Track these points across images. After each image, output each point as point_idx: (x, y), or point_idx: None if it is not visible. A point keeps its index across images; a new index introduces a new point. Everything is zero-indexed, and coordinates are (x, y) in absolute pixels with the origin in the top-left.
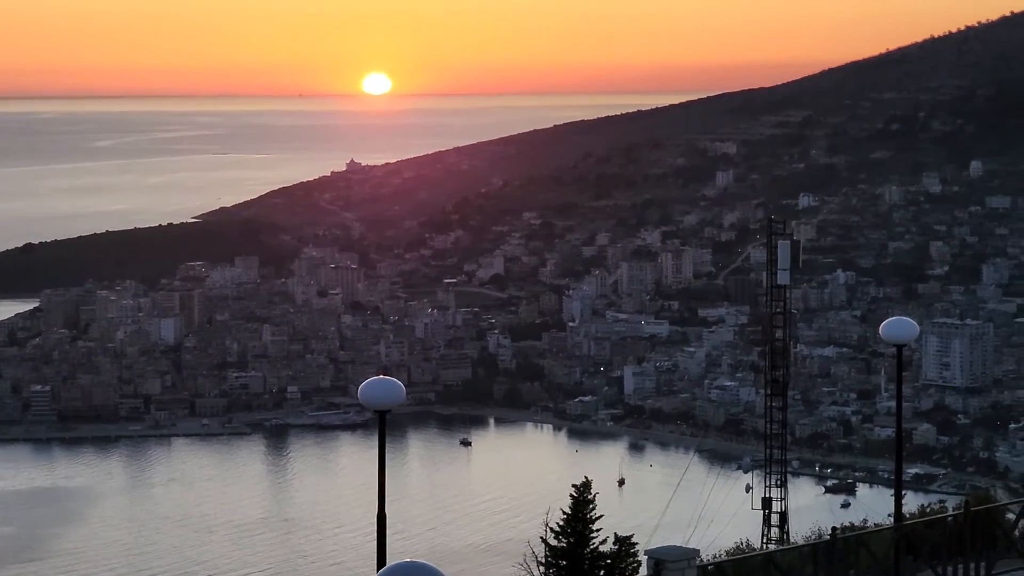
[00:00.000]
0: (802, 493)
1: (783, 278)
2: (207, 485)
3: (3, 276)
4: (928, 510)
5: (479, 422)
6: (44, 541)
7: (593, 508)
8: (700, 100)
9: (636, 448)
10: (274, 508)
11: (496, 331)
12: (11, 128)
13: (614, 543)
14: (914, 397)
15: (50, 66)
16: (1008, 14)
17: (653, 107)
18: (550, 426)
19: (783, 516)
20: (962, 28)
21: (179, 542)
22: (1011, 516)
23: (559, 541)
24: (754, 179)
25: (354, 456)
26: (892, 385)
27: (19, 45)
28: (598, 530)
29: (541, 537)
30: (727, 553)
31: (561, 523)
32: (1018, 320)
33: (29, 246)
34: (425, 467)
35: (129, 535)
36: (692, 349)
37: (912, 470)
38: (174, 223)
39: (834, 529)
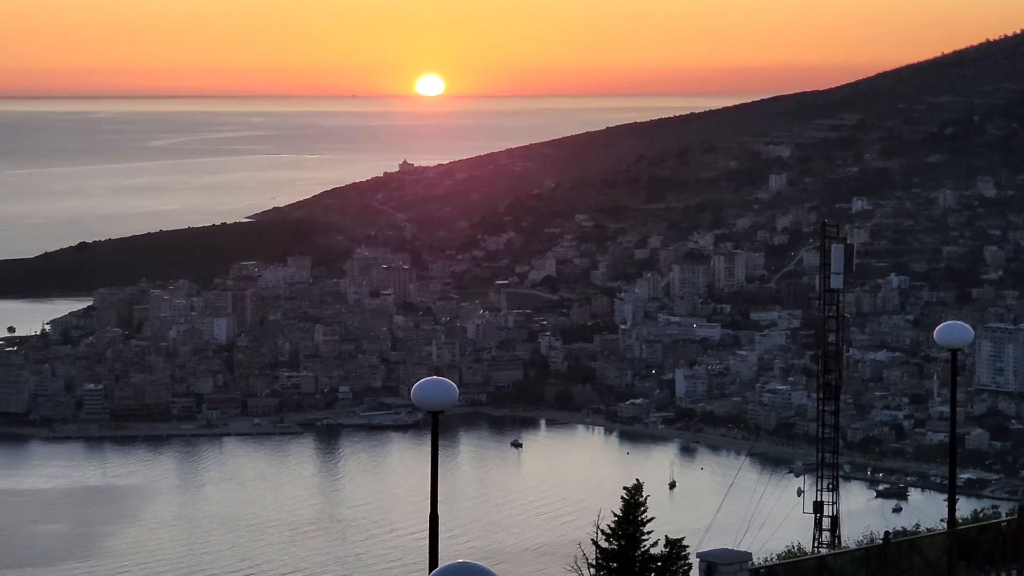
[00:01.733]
0: (854, 497)
1: (836, 282)
2: (259, 485)
3: (57, 275)
4: (981, 515)
5: (530, 424)
6: (97, 539)
7: (644, 511)
8: (753, 103)
9: (687, 451)
10: (326, 508)
11: (548, 333)
12: (65, 128)
13: (665, 546)
14: (967, 402)
15: (104, 66)
16: None
17: (706, 109)
18: (601, 428)
19: (835, 520)
20: (1017, 32)
21: (232, 542)
22: None
23: (610, 543)
24: (807, 182)
25: (405, 457)
26: (945, 390)
27: (73, 46)
28: (649, 533)
29: (592, 539)
30: (778, 557)
31: (612, 525)
32: None
33: (83, 245)
34: (476, 468)
35: (182, 534)
36: (744, 352)
37: (965, 475)
38: (227, 223)
39: (887, 533)
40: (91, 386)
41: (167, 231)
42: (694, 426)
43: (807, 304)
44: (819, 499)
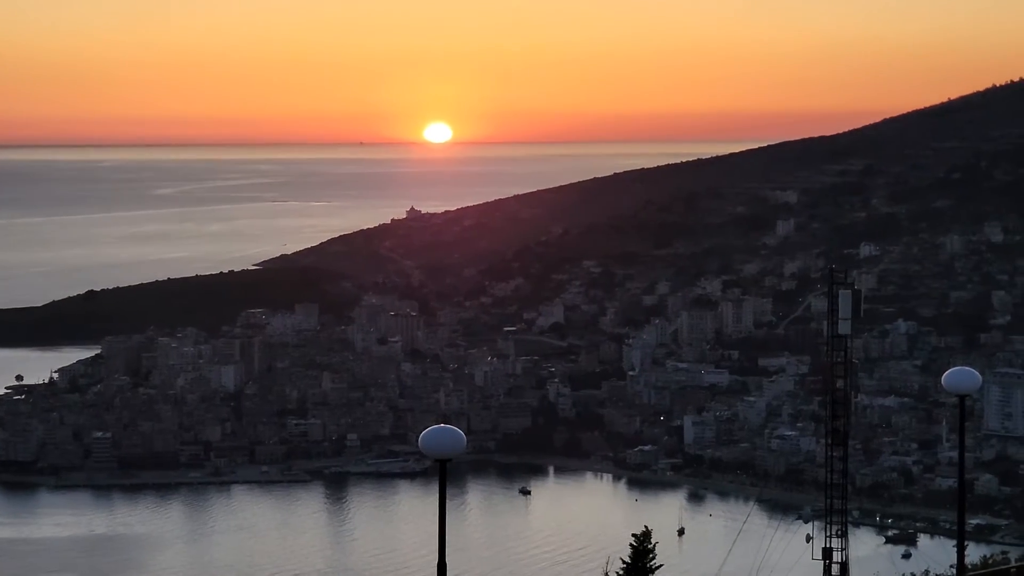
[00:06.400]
0: (863, 543)
1: (844, 328)
2: (268, 533)
3: (65, 323)
4: (990, 561)
5: (539, 471)
6: None
7: (653, 558)
8: (761, 148)
9: (696, 498)
10: (335, 557)
11: (556, 380)
12: (73, 176)
13: None
14: (976, 447)
15: (111, 116)
16: None
17: (713, 155)
18: (610, 475)
19: (844, 567)
20: (1023, 77)
21: None
22: None
23: None
24: (815, 228)
25: (414, 504)
26: (954, 435)
27: (79, 95)
28: None
29: None
30: None
31: (621, 572)
32: None
33: (91, 293)
34: (485, 516)
35: None
36: (752, 399)
37: (974, 521)
38: (234, 270)
39: None
40: (99, 434)
41: (175, 279)
42: (703, 472)
43: (815, 350)
44: (828, 545)
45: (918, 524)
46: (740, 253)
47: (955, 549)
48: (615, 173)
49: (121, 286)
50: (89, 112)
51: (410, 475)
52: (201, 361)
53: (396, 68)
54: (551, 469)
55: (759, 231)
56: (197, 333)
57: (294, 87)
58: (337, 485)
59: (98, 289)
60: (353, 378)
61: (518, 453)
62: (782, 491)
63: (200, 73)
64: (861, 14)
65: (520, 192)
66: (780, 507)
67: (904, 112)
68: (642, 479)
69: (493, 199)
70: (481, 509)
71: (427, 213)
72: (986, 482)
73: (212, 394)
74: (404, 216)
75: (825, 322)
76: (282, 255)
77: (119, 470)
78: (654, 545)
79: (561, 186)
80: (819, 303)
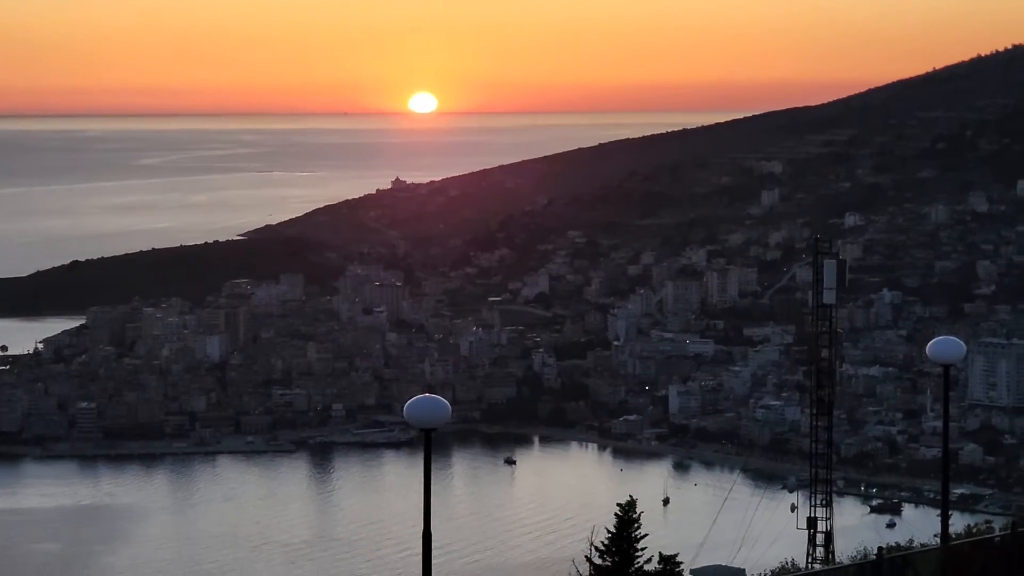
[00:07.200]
0: (847, 513)
1: (829, 297)
2: (253, 503)
3: (50, 293)
4: (975, 530)
5: (524, 441)
6: (91, 558)
7: (638, 527)
8: (746, 118)
9: (681, 467)
10: (320, 527)
11: (541, 350)
12: (57, 146)
13: (659, 562)
14: (960, 417)
15: (95, 85)
16: None
17: (699, 125)
18: (595, 445)
19: (828, 536)
20: (1009, 47)
21: (227, 561)
22: None
23: (603, 560)
24: (800, 198)
25: (399, 474)
26: (938, 405)
27: (62, 65)
28: (643, 549)
29: (586, 556)
30: (772, 572)
31: (606, 542)
32: None
33: (75, 263)
34: (470, 485)
35: (179, 553)
36: (737, 368)
37: (958, 490)
38: (220, 241)
39: (880, 549)
40: (84, 404)
41: (159, 249)
42: (687, 442)
43: (800, 320)
44: (813, 515)
45: (903, 494)
46: (725, 223)
47: (939, 518)
48: (600, 143)
49: (106, 256)
50: (73, 82)
51: (395, 445)
52: (186, 331)
53: (381, 38)
54: (536, 439)
55: (744, 201)
56: (182, 303)
57: (278, 57)
58: (322, 455)
59: (82, 259)
60: (338, 348)
61: (503, 423)
62: (767, 461)
63: (184, 43)
64: None
65: (505, 162)
66: (765, 477)
67: (889, 82)
68: (627, 449)
69: (478, 169)
70: (466, 479)
71: (412, 183)
72: (970, 452)
73: (197, 364)
74: (389, 186)
75: (810, 292)
76: (267, 225)
77: (104, 440)
78: (639, 515)
79: (546, 156)
80: (804, 273)
